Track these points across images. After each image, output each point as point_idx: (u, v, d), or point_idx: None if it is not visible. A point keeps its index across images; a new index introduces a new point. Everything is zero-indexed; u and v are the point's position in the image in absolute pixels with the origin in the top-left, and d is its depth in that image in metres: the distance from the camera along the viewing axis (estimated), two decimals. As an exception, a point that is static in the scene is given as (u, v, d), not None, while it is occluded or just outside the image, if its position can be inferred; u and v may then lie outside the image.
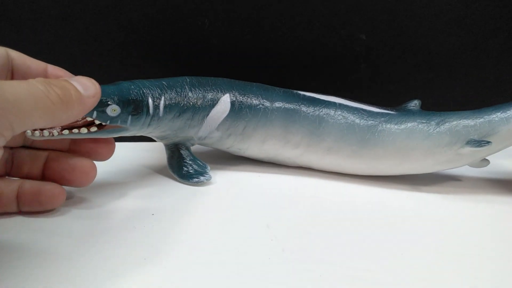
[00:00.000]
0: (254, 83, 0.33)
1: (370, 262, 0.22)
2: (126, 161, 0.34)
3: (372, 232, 0.25)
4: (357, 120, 0.30)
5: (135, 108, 0.27)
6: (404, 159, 0.30)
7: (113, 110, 0.26)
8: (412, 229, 0.26)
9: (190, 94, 0.30)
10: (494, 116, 0.29)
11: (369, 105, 0.32)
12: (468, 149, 0.29)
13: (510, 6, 0.41)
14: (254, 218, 0.26)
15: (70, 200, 0.28)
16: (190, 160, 0.31)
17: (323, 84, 0.42)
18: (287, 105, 0.31)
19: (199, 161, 0.31)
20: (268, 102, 0.31)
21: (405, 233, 0.25)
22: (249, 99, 0.31)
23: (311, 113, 0.31)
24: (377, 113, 0.31)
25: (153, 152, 0.37)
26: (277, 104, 0.31)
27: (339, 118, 0.30)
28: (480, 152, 0.29)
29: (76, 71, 0.36)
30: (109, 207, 0.27)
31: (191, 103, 0.30)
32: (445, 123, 0.29)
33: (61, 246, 0.23)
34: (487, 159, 0.31)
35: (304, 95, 0.32)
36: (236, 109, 0.31)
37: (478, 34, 0.42)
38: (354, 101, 0.32)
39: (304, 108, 0.31)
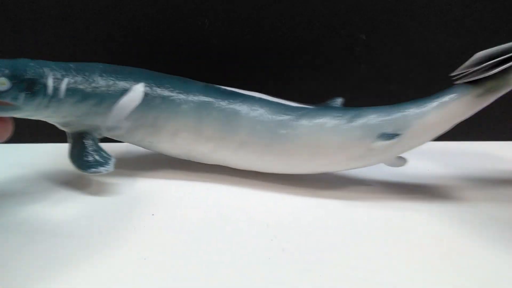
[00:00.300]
0: (176, 76, 0.32)
1: (371, 262, 0.22)
2: (123, 160, 0.34)
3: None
4: (272, 114, 0.29)
5: (29, 85, 0.26)
6: (316, 154, 0.29)
7: (1, 83, 0.25)
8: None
9: (99, 79, 0.29)
10: (408, 110, 0.28)
11: (289, 101, 0.31)
12: (380, 144, 0.28)
13: (510, 6, 0.41)
14: (255, 217, 0.26)
15: (68, 200, 0.28)
16: (92, 150, 0.29)
17: (323, 84, 0.42)
18: (203, 98, 0.30)
19: (104, 152, 0.29)
20: (183, 94, 0.30)
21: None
22: (164, 89, 0.30)
23: (226, 106, 0.30)
24: (294, 107, 0.30)
25: (153, 152, 0.36)
26: (192, 96, 0.30)
27: (254, 111, 0.29)
28: (391, 147, 0.28)
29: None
30: (109, 206, 0.27)
31: (98, 89, 0.29)
32: (359, 117, 0.28)
33: (60, 247, 0.23)
34: (404, 158, 0.30)
35: (225, 90, 0.31)
36: (148, 99, 0.30)
37: (478, 34, 0.42)
38: (275, 98, 0.31)
39: (220, 101, 0.30)
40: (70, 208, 0.27)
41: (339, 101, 0.32)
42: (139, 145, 0.32)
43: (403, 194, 0.30)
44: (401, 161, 0.30)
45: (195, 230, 0.25)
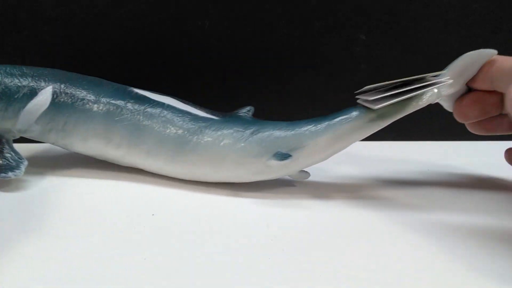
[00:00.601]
0: (90, 77, 0.32)
1: (372, 262, 0.22)
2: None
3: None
4: (178, 124, 0.29)
5: None
6: (218, 167, 0.29)
7: None
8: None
9: (5, 83, 0.29)
10: (305, 129, 0.28)
11: (199, 109, 0.31)
12: (274, 162, 0.28)
13: (510, 6, 0.41)
14: (255, 217, 0.26)
15: (68, 200, 0.28)
16: (5, 153, 0.29)
17: (323, 84, 0.42)
18: (112, 102, 0.30)
19: (17, 155, 0.29)
20: (93, 98, 0.30)
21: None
22: (73, 93, 0.30)
23: (134, 113, 0.30)
24: (200, 117, 0.30)
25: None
26: (102, 101, 0.30)
27: (161, 120, 0.29)
28: (288, 164, 0.28)
29: (75, 71, 0.36)
30: (109, 206, 0.27)
31: (4, 93, 0.29)
32: (259, 133, 0.29)
33: (60, 247, 0.23)
34: (306, 172, 0.30)
35: (136, 93, 0.31)
36: (57, 103, 0.29)
37: (478, 34, 0.42)
38: (187, 103, 0.31)
39: (129, 107, 0.30)
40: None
41: (249, 109, 0.32)
42: (58, 146, 0.32)
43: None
44: (304, 174, 0.30)
45: (194, 230, 0.25)
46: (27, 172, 0.32)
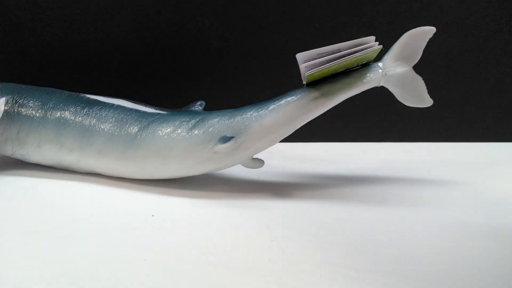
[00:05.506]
0: (42, 87, 0.33)
1: (372, 262, 0.22)
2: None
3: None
4: (126, 121, 0.30)
5: None
6: (167, 159, 0.29)
7: None
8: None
9: None
10: (250, 113, 0.29)
11: (149, 107, 0.31)
12: (220, 147, 0.28)
13: (510, 7, 0.41)
14: (255, 218, 0.26)
15: (69, 201, 0.28)
16: None
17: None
18: (63, 108, 0.31)
19: None
20: (44, 106, 0.31)
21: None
22: (25, 102, 0.31)
23: (83, 115, 0.30)
24: (148, 114, 0.30)
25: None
26: (53, 107, 0.31)
27: (109, 120, 0.30)
28: (236, 149, 0.28)
29: (75, 72, 0.36)
30: (109, 207, 0.27)
31: None
32: (204, 121, 0.29)
33: (60, 247, 0.23)
34: (260, 160, 0.30)
35: (88, 98, 0.32)
36: (10, 113, 0.31)
37: (478, 35, 0.42)
38: (138, 103, 0.32)
39: (78, 111, 0.31)
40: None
41: (201, 103, 0.32)
42: (17, 158, 0.33)
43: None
44: (258, 163, 0.30)
45: (194, 230, 0.25)
46: (28, 173, 0.32)
